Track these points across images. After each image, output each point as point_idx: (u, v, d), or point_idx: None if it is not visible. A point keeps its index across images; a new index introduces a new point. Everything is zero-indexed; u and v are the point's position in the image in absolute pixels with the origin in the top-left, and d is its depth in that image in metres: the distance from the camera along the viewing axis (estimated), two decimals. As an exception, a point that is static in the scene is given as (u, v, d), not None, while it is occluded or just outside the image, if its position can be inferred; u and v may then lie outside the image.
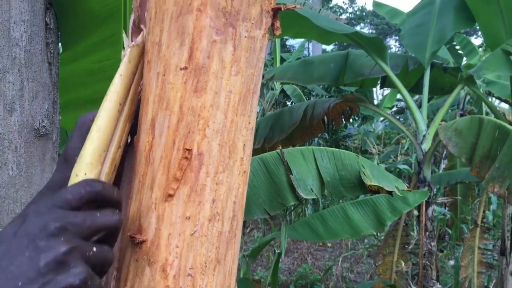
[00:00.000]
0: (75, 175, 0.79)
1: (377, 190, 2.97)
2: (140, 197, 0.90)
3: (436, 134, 4.13)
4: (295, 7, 1.00)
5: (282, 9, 0.95)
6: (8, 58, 1.56)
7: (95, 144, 0.89)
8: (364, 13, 24.63)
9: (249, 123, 0.93)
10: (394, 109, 15.80)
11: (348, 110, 4.96)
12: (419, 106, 5.47)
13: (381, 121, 16.43)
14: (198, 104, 0.88)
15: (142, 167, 0.93)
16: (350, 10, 24.69)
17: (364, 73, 4.99)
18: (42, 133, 1.61)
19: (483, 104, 7.72)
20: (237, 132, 0.91)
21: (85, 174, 0.84)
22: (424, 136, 4.31)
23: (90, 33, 1.91)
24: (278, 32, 0.98)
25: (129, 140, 1.01)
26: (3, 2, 1.55)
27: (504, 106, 10.13)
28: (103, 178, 0.85)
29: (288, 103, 13.60)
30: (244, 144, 0.93)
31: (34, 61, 1.62)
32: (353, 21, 23.84)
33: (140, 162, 0.94)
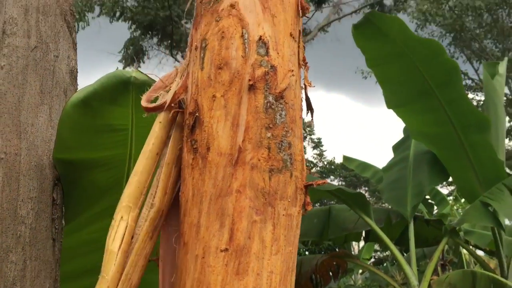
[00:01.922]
0: (113, 218, 0.88)
1: None
2: None
3: (429, 289, 4.04)
4: (324, 182, 1.03)
5: (314, 185, 0.98)
6: (13, 236, 1.51)
7: (132, 187, 0.93)
8: (333, 166, 25.68)
9: (289, 303, 0.90)
10: (372, 260, 15.67)
11: (336, 267, 4.88)
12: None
13: (360, 273, 16.17)
14: (240, 287, 0.85)
15: None
16: (320, 164, 25.77)
17: (348, 227, 5.01)
18: (41, 316, 1.50)
19: (463, 253, 7.74)
20: (278, 314, 0.87)
21: (122, 217, 0.89)
22: (417, 291, 4.20)
23: (93, 204, 1.90)
24: (309, 208, 0.99)
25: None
26: (12, 181, 1.56)
27: (480, 253, 10.17)
28: (142, 221, 0.92)
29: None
30: (286, 326, 0.88)
31: (39, 238, 1.58)
32: (323, 174, 24.72)
33: None
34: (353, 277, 16.19)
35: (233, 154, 0.89)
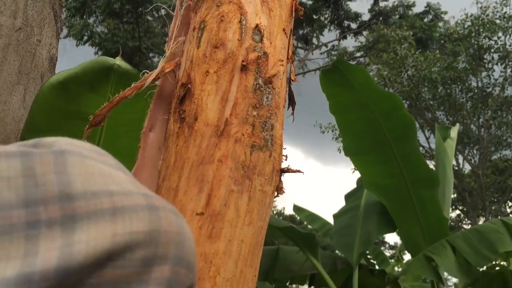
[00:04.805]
0: None
1: None
2: None
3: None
4: (298, 170, 1.09)
5: (288, 170, 1.03)
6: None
7: None
8: (281, 217, 25.84)
9: (255, 276, 0.93)
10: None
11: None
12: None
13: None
14: (211, 251, 0.87)
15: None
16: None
17: (294, 269, 5.03)
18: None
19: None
20: (244, 284, 0.90)
21: None
22: (355, 337, 4.22)
23: None
24: (282, 193, 1.04)
25: None
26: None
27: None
28: None
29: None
30: (250, 298, 0.90)
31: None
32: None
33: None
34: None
35: (219, 126, 0.94)
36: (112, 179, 0.33)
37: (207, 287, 0.86)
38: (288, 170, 1.04)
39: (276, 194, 1.03)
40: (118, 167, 0.37)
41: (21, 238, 0.28)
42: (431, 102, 15.76)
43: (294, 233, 4.40)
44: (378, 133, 4.43)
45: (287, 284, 6.46)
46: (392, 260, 11.88)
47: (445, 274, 4.26)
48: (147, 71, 1.11)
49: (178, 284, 0.34)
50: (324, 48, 22.33)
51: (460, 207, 18.41)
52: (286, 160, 1.05)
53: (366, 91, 4.28)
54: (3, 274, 0.26)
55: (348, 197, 5.66)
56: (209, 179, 0.91)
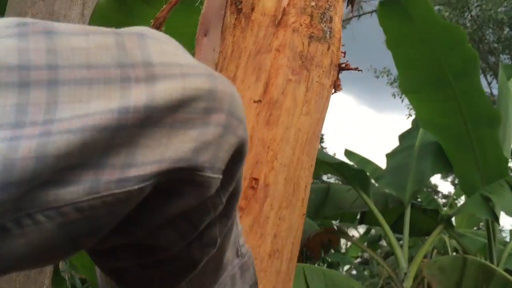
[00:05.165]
0: None
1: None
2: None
3: (416, 274, 4.09)
4: (357, 68, 1.06)
5: (344, 66, 1.01)
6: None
7: None
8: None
9: (311, 165, 0.93)
10: (359, 259, 15.71)
11: (327, 243, 4.93)
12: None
13: (346, 270, 16.24)
14: (269, 137, 0.88)
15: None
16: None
17: (344, 207, 5.05)
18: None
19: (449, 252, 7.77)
20: (301, 171, 0.90)
21: None
22: (405, 274, 4.25)
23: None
24: (339, 89, 1.02)
25: None
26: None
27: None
28: None
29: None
30: (306, 186, 0.92)
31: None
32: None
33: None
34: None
35: (277, 16, 0.92)
36: (180, 57, 0.43)
37: (265, 170, 0.87)
38: (346, 66, 1.02)
39: (333, 90, 1.02)
40: (185, 51, 0.47)
41: (118, 87, 0.38)
42: (496, 45, 14.89)
43: (346, 170, 4.39)
44: (438, 68, 4.25)
45: (336, 222, 6.51)
46: (445, 208, 11.70)
47: (500, 226, 4.15)
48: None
49: (232, 129, 0.43)
50: (381, -11, 21.30)
51: (521, 156, 17.68)
52: (344, 57, 1.03)
53: (427, 24, 4.09)
54: (108, 106, 0.36)
55: (402, 137, 5.55)
56: (267, 68, 0.91)
